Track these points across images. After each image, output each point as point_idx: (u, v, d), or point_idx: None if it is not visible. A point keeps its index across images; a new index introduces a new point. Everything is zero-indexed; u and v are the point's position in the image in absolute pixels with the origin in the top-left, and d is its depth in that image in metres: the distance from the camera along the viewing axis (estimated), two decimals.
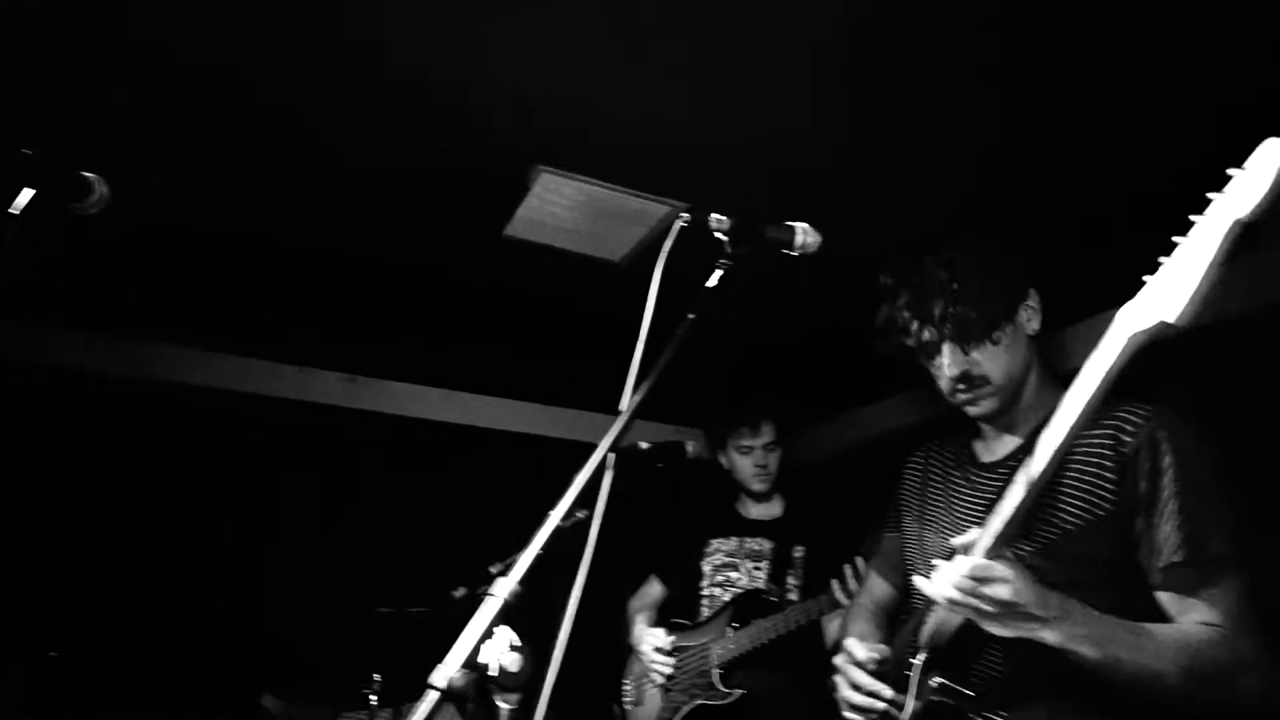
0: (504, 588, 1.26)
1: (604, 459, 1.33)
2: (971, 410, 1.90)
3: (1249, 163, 1.25)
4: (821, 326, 4.16)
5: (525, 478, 4.25)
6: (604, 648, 3.32)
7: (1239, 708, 1.55)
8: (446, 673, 1.20)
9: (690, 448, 3.44)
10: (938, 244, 1.86)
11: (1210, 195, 1.28)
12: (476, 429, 4.98)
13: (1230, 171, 1.25)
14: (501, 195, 3.23)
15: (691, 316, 1.38)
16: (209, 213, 3.39)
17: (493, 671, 1.22)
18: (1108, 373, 1.35)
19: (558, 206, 3.19)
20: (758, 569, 3.38)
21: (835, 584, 2.95)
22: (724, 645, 3.15)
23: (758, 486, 3.45)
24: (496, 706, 1.23)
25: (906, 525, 2.16)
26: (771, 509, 3.53)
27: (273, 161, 3.07)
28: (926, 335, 1.84)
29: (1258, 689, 1.54)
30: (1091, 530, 1.66)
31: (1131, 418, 1.70)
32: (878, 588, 2.32)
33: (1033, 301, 1.90)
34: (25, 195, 1.46)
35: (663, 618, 3.48)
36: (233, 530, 4.17)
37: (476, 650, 1.22)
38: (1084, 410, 1.39)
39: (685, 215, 1.43)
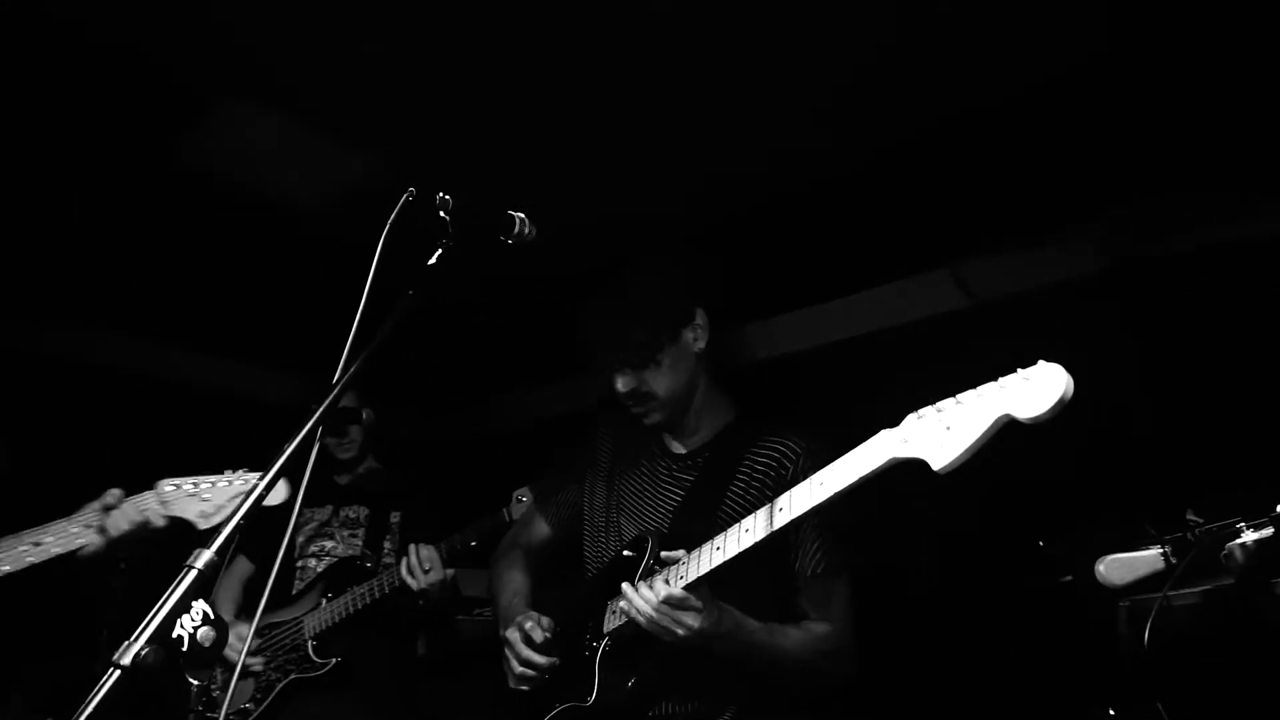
0: (202, 559, 1.23)
1: (315, 430, 1.34)
2: (644, 421, 2.23)
3: (1034, 372, 1.43)
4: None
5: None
6: None
7: (836, 682, 2.12)
8: (134, 648, 1.14)
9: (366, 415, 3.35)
10: (614, 264, 2.14)
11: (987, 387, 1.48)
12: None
13: (1021, 372, 1.45)
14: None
15: (411, 292, 1.44)
16: None
17: (185, 647, 1.19)
18: (861, 477, 1.62)
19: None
20: (353, 536, 3.40)
21: (412, 548, 3.01)
22: (317, 617, 3.14)
23: (343, 455, 3.49)
24: (187, 683, 1.19)
25: (592, 486, 2.41)
26: (369, 476, 3.57)
27: None
28: (599, 358, 2.16)
29: (850, 670, 2.13)
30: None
31: (793, 447, 2.16)
32: (538, 530, 2.55)
33: (699, 320, 2.22)
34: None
35: (249, 599, 3.37)
36: None
37: (169, 624, 1.18)
38: (829, 497, 1.67)
39: (412, 190, 1.47)
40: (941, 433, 1.49)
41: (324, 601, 3.16)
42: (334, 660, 3.08)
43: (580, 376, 5.37)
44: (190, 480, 2.08)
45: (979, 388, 1.49)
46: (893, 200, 3.73)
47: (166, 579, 1.19)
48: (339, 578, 3.22)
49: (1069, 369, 1.38)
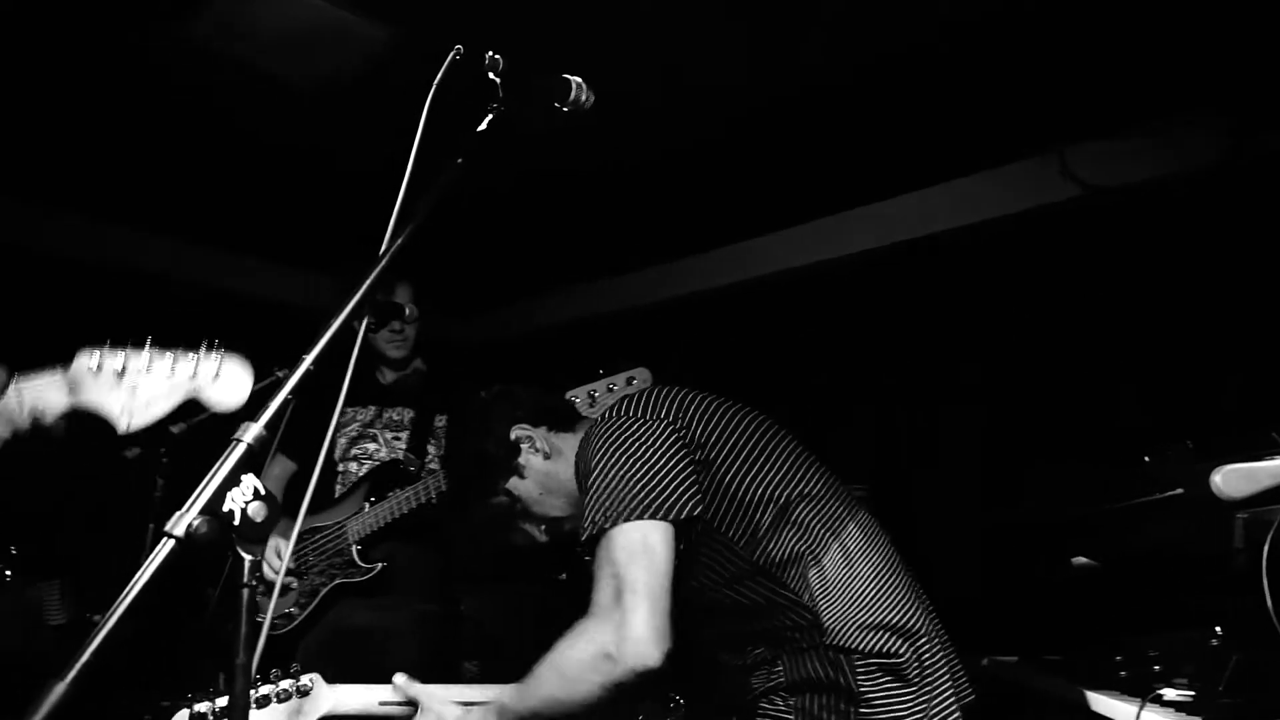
0: (250, 432, 1.23)
1: (361, 307, 1.32)
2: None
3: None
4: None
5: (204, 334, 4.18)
6: None
7: (615, 699, 1.74)
8: (186, 519, 1.15)
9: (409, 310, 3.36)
10: None
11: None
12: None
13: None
14: None
15: (460, 161, 1.39)
16: None
17: (236, 520, 1.20)
18: None
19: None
20: (397, 439, 3.43)
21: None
22: (361, 520, 3.18)
23: (394, 353, 3.47)
24: (240, 557, 1.20)
25: None
26: (413, 379, 3.57)
27: None
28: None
29: (621, 676, 1.70)
30: None
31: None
32: None
33: (524, 439, 2.19)
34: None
35: (293, 497, 3.41)
36: None
37: (220, 497, 1.19)
38: None
39: (460, 48, 1.42)
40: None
41: (367, 505, 3.21)
42: (379, 565, 3.14)
43: (620, 275, 5.45)
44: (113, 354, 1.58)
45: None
46: (998, 80, 3.62)
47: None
48: (382, 481, 3.25)
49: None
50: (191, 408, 1.56)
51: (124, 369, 1.57)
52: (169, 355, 1.57)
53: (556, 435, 2.20)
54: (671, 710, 2.49)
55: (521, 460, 2.16)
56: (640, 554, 1.76)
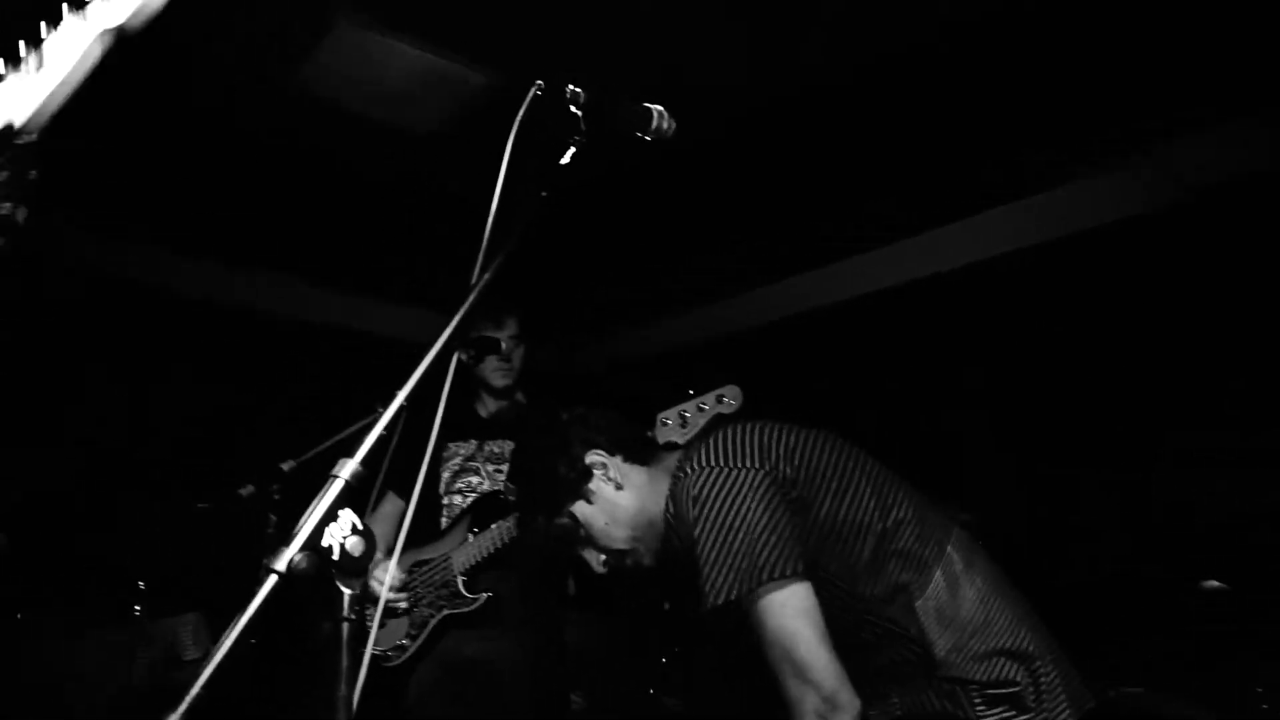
0: (347, 469, 1.26)
1: (456, 341, 1.35)
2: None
3: None
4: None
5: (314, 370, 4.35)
6: None
7: None
8: (288, 555, 1.19)
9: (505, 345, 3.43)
10: None
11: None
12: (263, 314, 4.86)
13: None
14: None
15: (544, 194, 1.41)
16: None
17: (335, 555, 1.23)
18: None
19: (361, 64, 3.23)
20: (499, 471, 3.47)
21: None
22: (465, 552, 3.24)
23: (500, 382, 3.52)
24: (339, 590, 1.23)
25: None
26: (513, 411, 3.62)
27: None
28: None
29: None
30: None
31: None
32: None
33: (598, 465, 2.18)
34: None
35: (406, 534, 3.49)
36: None
37: (319, 533, 1.22)
38: None
39: (540, 84, 1.45)
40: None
41: (470, 537, 3.26)
42: (484, 595, 3.18)
43: (712, 305, 5.47)
44: None
45: None
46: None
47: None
48: (484, 512, 3.29)
49: None
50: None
51: None
52: None
53: (631, 466, 2.19)
54: None
55: (592, 486, 2.15)
56: (798, 616, 1.76)
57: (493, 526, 3.21)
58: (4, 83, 1.29)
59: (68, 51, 1.28)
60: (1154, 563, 3.30)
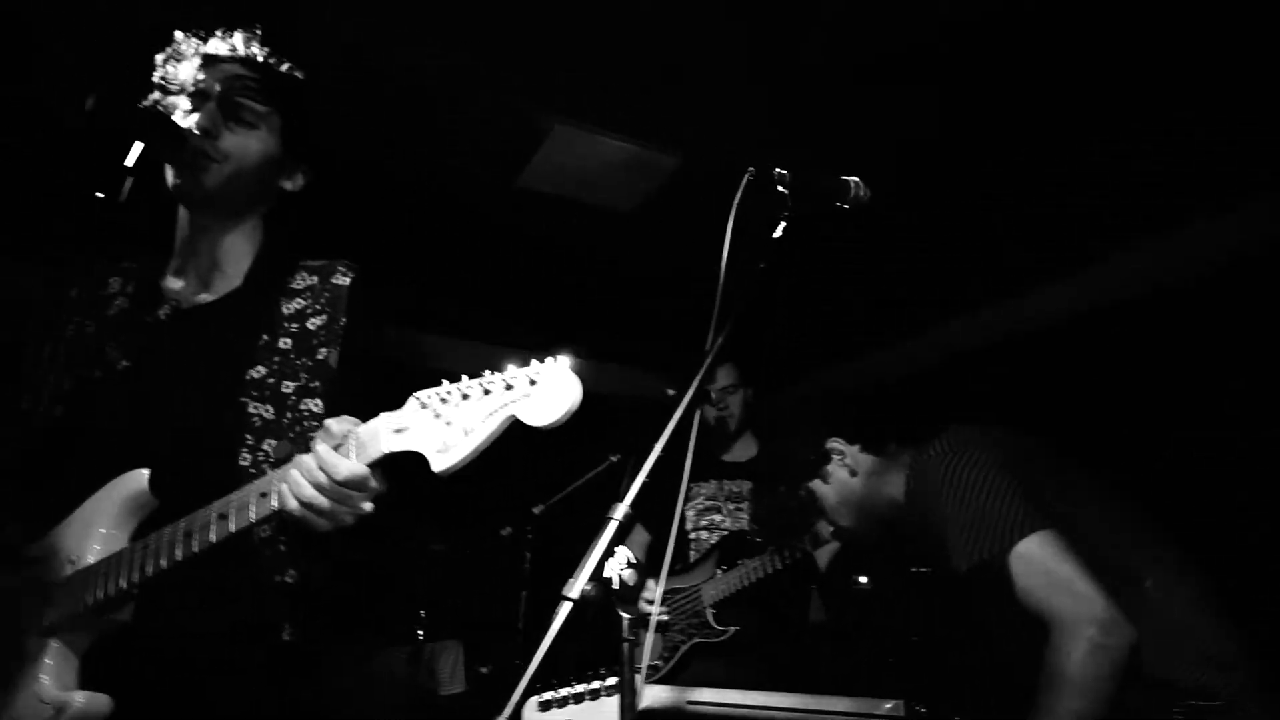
0: (620, 510, 1.53)
1: (695, 396, 1.59)
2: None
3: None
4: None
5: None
6: None
7: (1121, 682, 1.84)
8: (579, 585, 1.46)
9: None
10: None
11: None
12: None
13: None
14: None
15: (762, 266, 1.65)
16: None
17: (615, 585, 1.50)
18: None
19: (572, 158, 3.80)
20: (739, 509, 3.74)
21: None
22: (715, 586, 3.49)
23: (723, 429, 3.83)
24: (619, 615, 1.49)
25: None
26: (747, 449, 3.89)
27: None
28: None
29: (1119, 657, 1.83)
30: None
31: None
32: None
33: (837, 453, 2.45)
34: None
35: (650, 562, 3.81)
36: None
37: (600, 566, 1.49)
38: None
39: (752, 170, 1.68)
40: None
41: (719, 572, 3.51)
42: (733, 628, 3.42)
43: (923, 335, 5.48)
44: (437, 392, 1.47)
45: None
46: None
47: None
48: (731, 550, 3.56)
49: None
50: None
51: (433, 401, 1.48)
52: (482, 379, 1.45)
53: (865, 456, 2.46)
54: None
55: (830, 468, 2.44)
56: (1058, 554, 1.92)
57: (740, 564, 3.46)
58: None
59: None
60: None
